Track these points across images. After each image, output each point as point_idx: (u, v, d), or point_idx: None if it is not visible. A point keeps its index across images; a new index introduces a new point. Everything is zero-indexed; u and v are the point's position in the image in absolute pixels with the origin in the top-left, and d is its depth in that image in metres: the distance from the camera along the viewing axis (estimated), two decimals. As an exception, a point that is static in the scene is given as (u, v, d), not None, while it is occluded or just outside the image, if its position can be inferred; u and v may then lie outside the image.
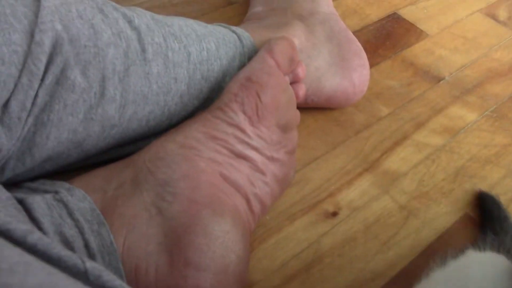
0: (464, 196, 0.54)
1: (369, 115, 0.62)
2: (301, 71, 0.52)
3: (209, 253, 0.35)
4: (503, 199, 0.54)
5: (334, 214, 0.51)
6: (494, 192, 0.54)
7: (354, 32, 0.66)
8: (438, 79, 0.69)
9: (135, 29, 0.43)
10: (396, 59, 0.71)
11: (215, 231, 0.36)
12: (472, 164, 0.58)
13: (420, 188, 0.54)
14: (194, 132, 0.42)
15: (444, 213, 0.52)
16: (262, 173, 0.45)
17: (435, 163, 0.57)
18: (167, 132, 0.44)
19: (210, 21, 0.55)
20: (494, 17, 0.82)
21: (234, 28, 0.50)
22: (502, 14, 0.83)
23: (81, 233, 0.35)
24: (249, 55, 0.50)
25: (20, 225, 0.26)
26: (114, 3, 0.44)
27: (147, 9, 0.48)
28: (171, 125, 0.46)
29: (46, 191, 0.39)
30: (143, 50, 0.43)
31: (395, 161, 0.57)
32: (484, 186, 0.55)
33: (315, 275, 0.46)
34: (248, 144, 0.44)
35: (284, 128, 0.48)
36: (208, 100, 0.49)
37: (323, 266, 0.47)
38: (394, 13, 0.79)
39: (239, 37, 0.49)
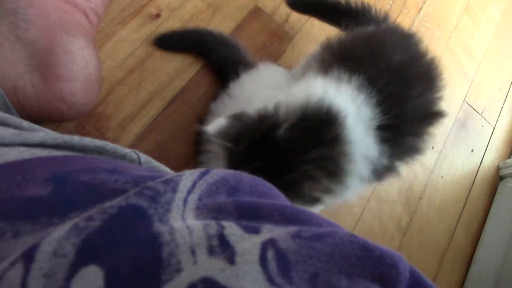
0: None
1: None
2: None
3: (74, 67, 0.44)
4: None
5: (157, 15, 0.62)
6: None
7: None
8: None
9: None
10: None
11: (74, 49, 0.44)
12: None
13: (222, -13, 0.68)
14: None
15: (240, 7, 0.68)
16: (93, -13, 0.52)
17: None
18: None
19: None
20: None
21: None
22: None
23: None
24: None
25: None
26: None
27: None
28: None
29: None
30: None
31: (202, -36, 0.68)
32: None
33: (150, 66, 0.60)
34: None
35: None
36: None
37: (155, 59, 0.60)
38: None
39: None
